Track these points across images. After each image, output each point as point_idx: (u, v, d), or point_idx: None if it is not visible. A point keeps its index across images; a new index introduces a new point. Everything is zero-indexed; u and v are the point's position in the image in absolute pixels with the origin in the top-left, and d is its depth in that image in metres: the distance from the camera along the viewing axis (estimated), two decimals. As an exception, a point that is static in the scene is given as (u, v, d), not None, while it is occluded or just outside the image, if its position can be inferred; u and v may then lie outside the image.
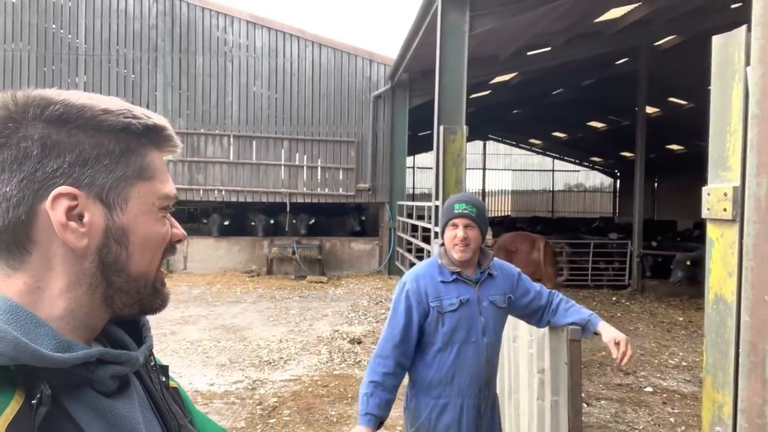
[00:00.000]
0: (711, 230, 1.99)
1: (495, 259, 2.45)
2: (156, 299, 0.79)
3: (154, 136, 0.76)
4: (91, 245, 0.70)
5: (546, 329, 2.70)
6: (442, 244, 2.42)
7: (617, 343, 2.33)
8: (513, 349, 3.32)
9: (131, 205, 0.73)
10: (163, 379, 0.85)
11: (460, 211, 2.33)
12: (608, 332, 2.39)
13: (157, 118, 0.77)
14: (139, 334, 0.82)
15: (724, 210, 1.87)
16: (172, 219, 0.80)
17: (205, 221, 13.93)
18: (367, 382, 2.30)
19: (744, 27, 1.81)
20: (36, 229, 0.68)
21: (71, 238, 0.69)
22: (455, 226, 2.34)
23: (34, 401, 0.62)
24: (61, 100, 0.70)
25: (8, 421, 0.60)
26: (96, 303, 0.73)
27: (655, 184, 28.47)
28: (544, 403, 2.80)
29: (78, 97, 0.71)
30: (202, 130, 13.35)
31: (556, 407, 2.64)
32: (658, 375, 6.30)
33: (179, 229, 0.81)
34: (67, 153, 0.69)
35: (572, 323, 2.48)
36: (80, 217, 0.69)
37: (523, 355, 3.15)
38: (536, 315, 2.52)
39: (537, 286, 2.52)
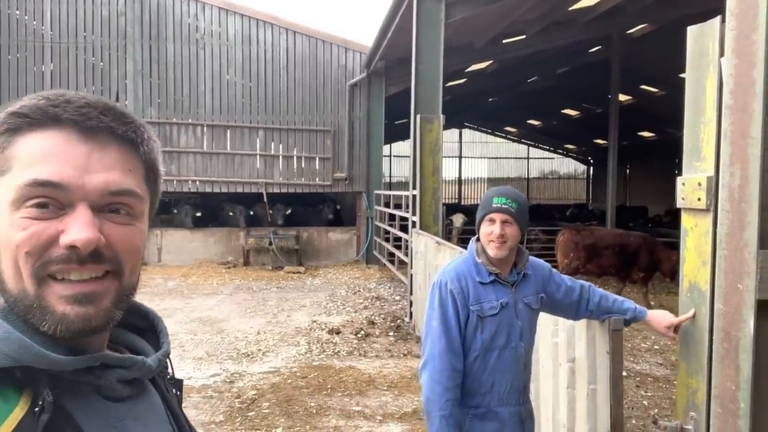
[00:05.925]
0: (685, 219, 2.02)
1: (530, 257, 2.34)
2: (43, 320, 0.64)
3: (20, 121, 0.66)
4: None
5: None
6: (478, 239, 2.28)
7: (669, 327, 2.21)
8: None
9: None
10: (178, 393, 0.84)
11: (499, 205, 2.19)
12: (660, 322, 2.26)
13: (25, 100, 0.67)
14: (157, 341, 0.82)
15: (698, 200, 1.89)
16: (69, 219, 0.64)
17: (178, 212, 13.65)
18: (443, 401, 2.10)
19: (718, 18, 1.82)
20: None
21: None
22: (492, 221, 2.19)
23: (37, 408, 0.62)
24: None
25: (11, 428, 0.60)
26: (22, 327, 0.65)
27: (627, 171, 28.97)
28: (576, 391, 2.77)
29: None
30: (174, 120, 13.08)
31: (594, 395, 2.60)
32: (631, 359, 6.43)
33: (70, 236, 0.63)
34: None
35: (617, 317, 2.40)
36: None
37: (545, 344, 3.12)
38: (570, 309, 2.42)
39: (568, 280, 2.41)
